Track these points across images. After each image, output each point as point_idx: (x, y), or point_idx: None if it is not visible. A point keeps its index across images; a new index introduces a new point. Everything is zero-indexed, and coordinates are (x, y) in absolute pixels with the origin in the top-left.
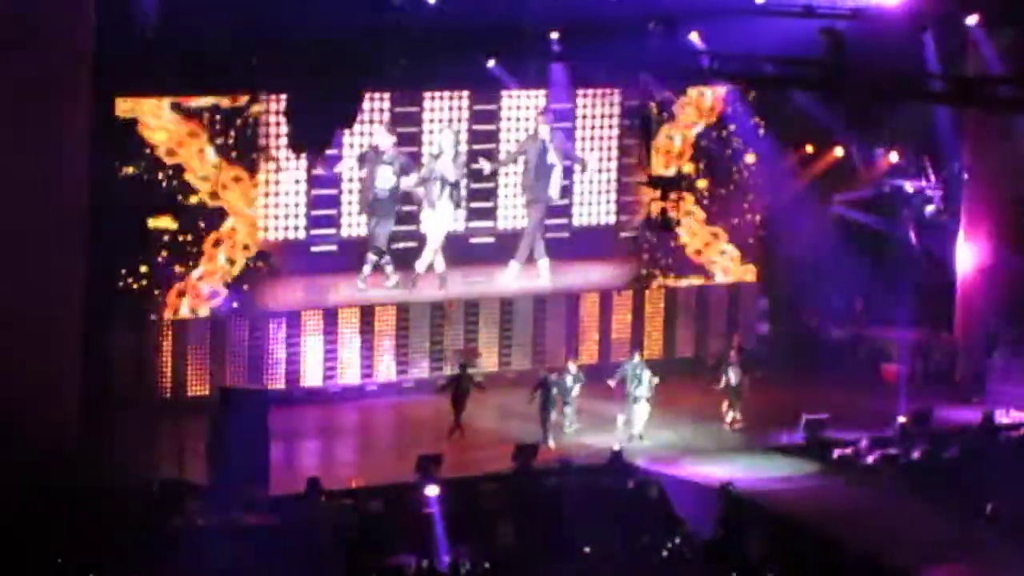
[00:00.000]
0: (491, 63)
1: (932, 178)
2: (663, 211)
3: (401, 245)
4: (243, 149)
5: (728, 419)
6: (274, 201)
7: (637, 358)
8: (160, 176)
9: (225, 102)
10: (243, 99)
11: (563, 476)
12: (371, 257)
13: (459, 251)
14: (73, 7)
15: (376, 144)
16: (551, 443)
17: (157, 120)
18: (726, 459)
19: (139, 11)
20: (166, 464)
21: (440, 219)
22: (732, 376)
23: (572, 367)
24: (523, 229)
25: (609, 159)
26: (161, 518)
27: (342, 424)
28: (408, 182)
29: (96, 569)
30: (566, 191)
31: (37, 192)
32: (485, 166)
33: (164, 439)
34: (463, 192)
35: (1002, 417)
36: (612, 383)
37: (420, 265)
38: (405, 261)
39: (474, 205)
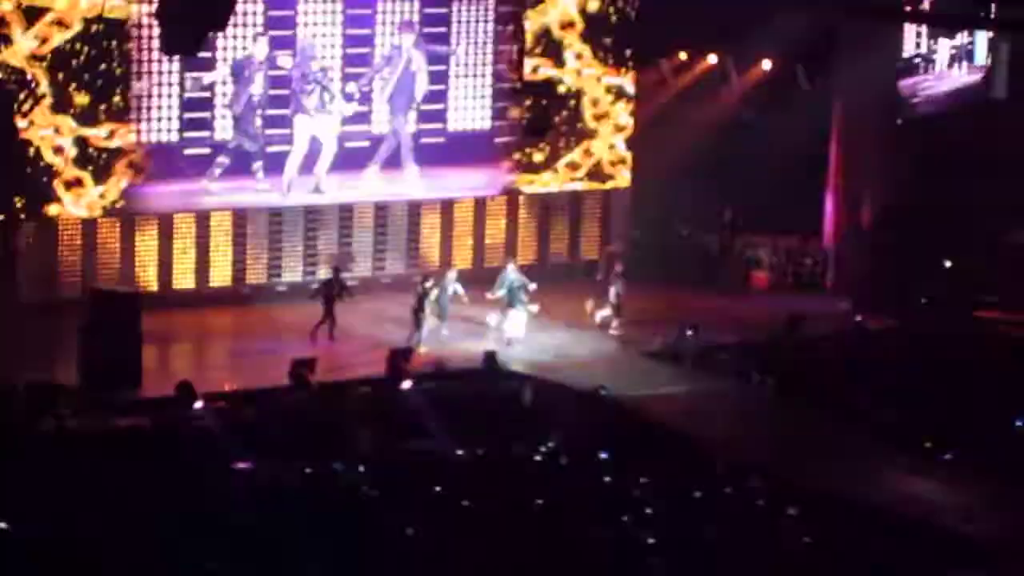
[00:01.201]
0: None
1: (805, 86)
2: (535, 117)
3: (275, 149)
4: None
5: (599, 321)
6: (147, 104)
7: (511, 265)
8: (28, 77)
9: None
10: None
11: (436, 380)
12: (222, 160)
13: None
14: None
15: (251, 53)
16: (423, 348)
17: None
18: (599, 365)
19: None
20: (36, 367)
21: (327, 118)
22: (616, 288)
23: (451, 274)
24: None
25: (484, 64)
26: (30, 421)
27: (215, 328)
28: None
29: None
30: (440, 96)
31: None
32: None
33: (34, 341)
34: (336, 94)
35: (870, 322)
36: (493, 296)
37: (290, 168)
38: (279, 165)
39: (348, 110)
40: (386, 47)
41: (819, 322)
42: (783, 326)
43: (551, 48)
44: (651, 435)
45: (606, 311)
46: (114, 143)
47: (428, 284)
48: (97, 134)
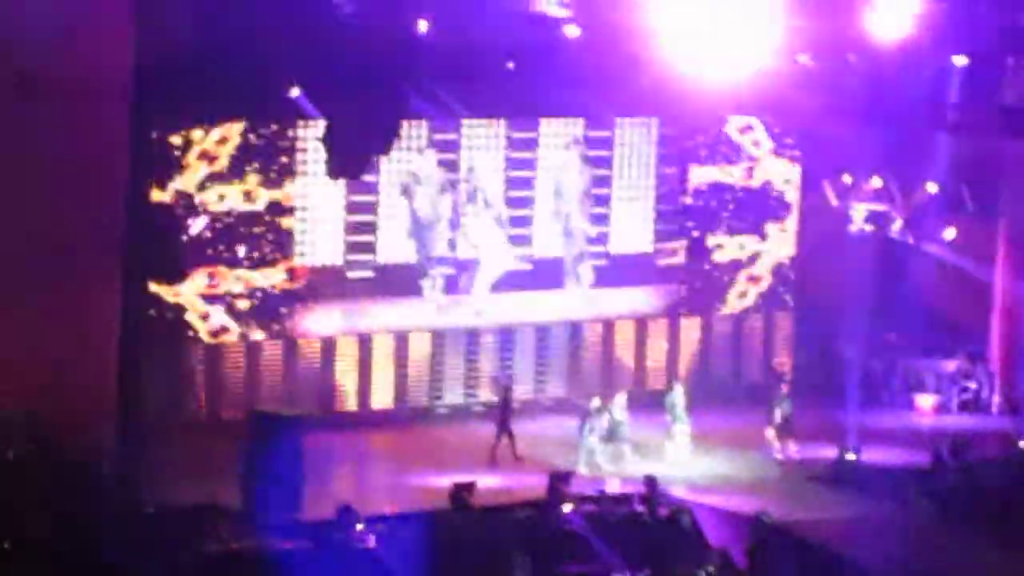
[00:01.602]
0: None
1: (970, 208)
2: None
3: (445, 271)
4: (278, 176)
5: (780, 448)
6: (311, 227)
7: (677, 387)
8: (196, 201)
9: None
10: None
11: (596, 503)
12: (426, 281)
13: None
14: (111, 32)
15: (415, 170)
16: (584, 470)
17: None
18: (760, 488)
19: (176, 36)
20: (200, 487)
21: (490, 240)
22: (784, 408)
23: (619, 398)
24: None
25: (647, 186)
26: (195, 542)
27: (376, 450)
28: (446, 205)
29: None
30: (603, 219)
31: (75, 213)
32: None
33: (199, 462)
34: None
35: None
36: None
37: (480, 287)
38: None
39: (511, 232)
40: (549, 169)
41: (985, 446)
42: (947, 450)
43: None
44: (813, 561)
45: (771, 431)
46: (279, 273)
47: (594, 406)
48: (261, 279)
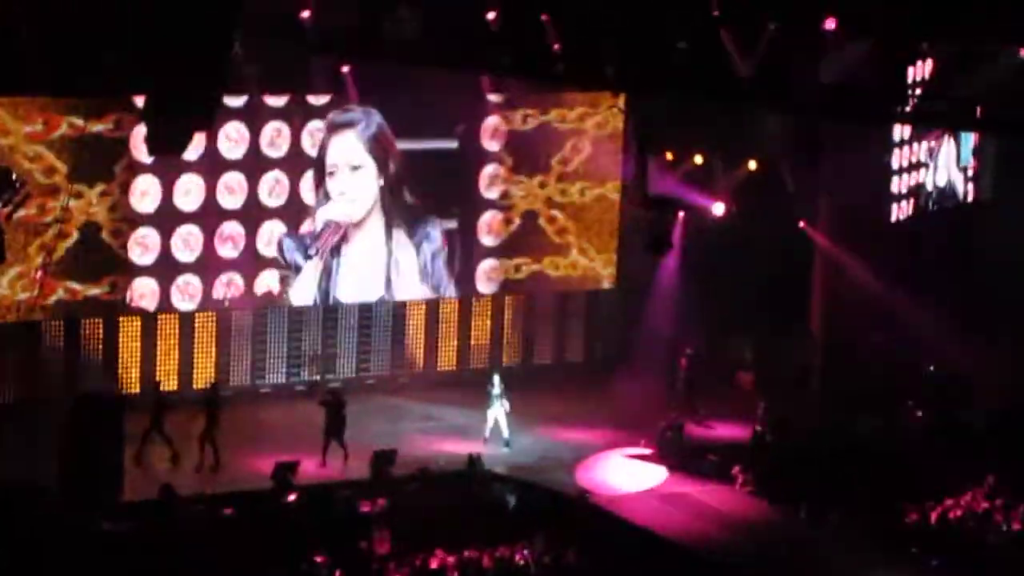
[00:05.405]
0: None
1: (790, 187)
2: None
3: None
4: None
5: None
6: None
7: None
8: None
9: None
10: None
11: (420, 483)
12: None
13: None
14: None
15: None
16: None
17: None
18: (583, 467)
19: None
20: (16, 467)
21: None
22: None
23: None
24: None
25: None
26: (10, 521)
27: (197, 429)
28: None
29: None
30: None
31: None
32: None
33: (15, 441)
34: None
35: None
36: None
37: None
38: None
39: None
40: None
41: (803, 421)
42: (766, 427)
43: None
44: (636, 539)
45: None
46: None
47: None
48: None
